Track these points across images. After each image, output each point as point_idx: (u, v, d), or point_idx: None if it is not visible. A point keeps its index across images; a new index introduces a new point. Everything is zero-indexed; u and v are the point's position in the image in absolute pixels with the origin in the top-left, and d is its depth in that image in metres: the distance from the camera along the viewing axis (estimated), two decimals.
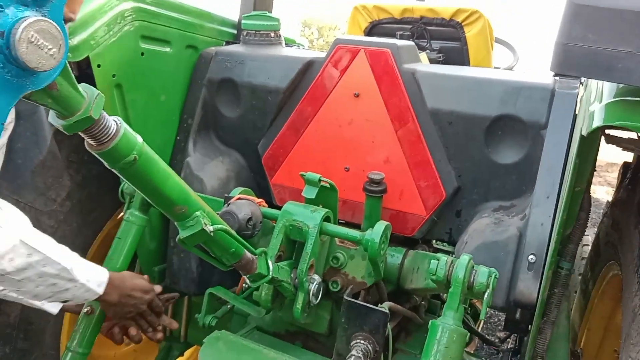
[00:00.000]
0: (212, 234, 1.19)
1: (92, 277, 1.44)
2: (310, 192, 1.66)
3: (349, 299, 1.49)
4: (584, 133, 1.07)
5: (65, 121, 0.88)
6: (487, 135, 1.73)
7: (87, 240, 2.03)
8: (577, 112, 1.61)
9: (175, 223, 1.19)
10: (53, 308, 1.66)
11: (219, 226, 1.22)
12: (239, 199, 1.68)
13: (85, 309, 1.72)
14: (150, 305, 1.73)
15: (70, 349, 1.69)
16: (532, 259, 1.51)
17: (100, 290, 1.48)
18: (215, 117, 2.24)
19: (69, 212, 1.92)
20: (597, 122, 1.02)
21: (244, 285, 1.79)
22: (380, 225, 1.55)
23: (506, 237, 1.58)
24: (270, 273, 1.48)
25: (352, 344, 1.44)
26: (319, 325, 1.75)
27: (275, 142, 2.06)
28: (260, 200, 1.74)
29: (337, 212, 1.74)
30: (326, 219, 1.65)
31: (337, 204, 1.72)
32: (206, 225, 1.17)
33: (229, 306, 1.92)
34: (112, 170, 1.03)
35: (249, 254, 1.40)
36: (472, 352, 2.21)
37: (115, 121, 0.97)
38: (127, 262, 1.77)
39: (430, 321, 1.37)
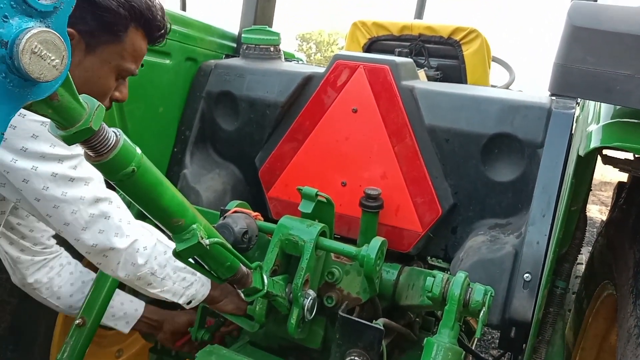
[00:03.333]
0: (208, 247, 1.18)
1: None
2: (306, 207, 1.66)
3: (344, 315, 1.49)
4: (581, 153, 1.08)
5: (64, 132, 0.87)
6: (484, 153, 1.74)
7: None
8: (573, 132, 1.62)
9: (172, 236, 1.18)
10: (124, 328, 1.84)
11: (216, 240, 1.22)
12: (235, 212, 1.68)
13: (77, 321, 1.70)
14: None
15: None
16: (527, 277, 1.51)
17: (209, 284, 1.61)
18: (213, 130, 2.24)
19: None
20: (594, 143, 1.03)
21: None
22: (377, 241, 1.55)
23: (502, 255, 1.59)
24: (265, 287, 1.47)
25: None
26: (312, 340, 1.74)
27: (272, 155, 2.06)
28: (256, 213, 1.73)
29: (334, 226, 1.73)
30: (322, 233, 1.64)
31: (334, 218, 1.72)
32: (202, 238, 1.16)
33: (222, 320, 1.90)
34: (110, 182, 1.02)
35: (244, 268, 1.39)
36: None
37: (115, 133, 0.96)
38: (113, 290, 1.76)
39: (425, 339, 1.36)
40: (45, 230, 1.64)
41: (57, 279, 1.68)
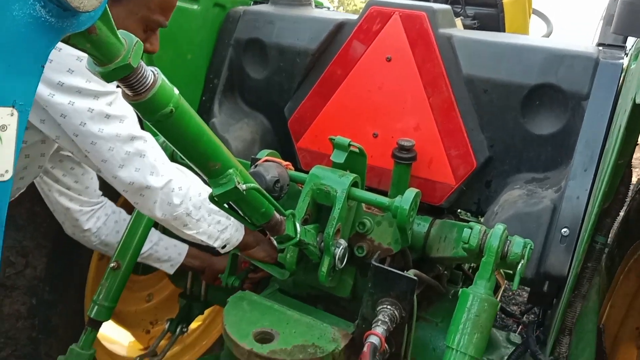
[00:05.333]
0: (244, 192, 1.17)
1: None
2: (339, 157, 1.63)
3: (377, 264, 1.48)
4: (638, 101, 1.02)
5: (102, 68, 0.85)
6: (524, 105, 1.68)
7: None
8: (621, 83, 1.54)
9: (208, 180, 1.17)
10: (169, 270, 1.91)
11: (252, 185, 1.21)
12: (266, 160, 1.66)
13: (112, 264, 1.74)
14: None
15: (97, 302, 1.72)
16: (565, 232, 1.47)
17: (243, 230, 1.62)
18: (241, 78, 2.20)
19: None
20: None
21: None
22: (411, 193, 1.52)
23: (539, 209, 1.55)
24: (298, 235, 1.46)
25: (378, 309, 1.43)
26: (342, 289, 1.75)
27: (302, 105, 2.02)
28: (287, 163, 1.72)
29: (365, 177, 1.71)
30: (354, 184, 1.62)
31: (366, 169, 1.69)
32: (239, 183, 1.15)
33: (251, 267, 1.92)
34: (148, 122, 1.01)
35: (278, 215, 1.39)
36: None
37: (153, 71, 0.94)
38: (146, 236, 1.79)
39: (460, 289, 1.35)
40: (89, 180, 1.68)
41: (103, 228, 1.74)
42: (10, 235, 1.91)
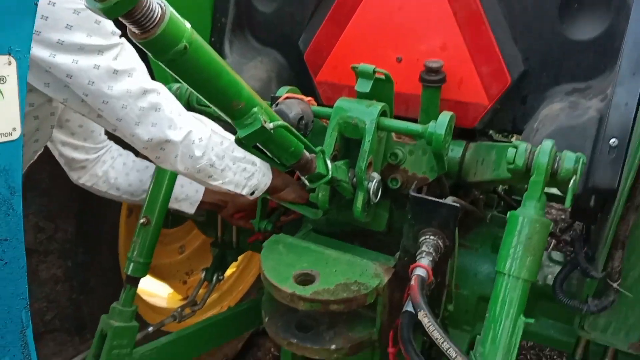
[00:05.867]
0: (272, 131, 1.09)
1: (262, 161, 1.46)
2: (363, 86, 1.53)
3: (415, 194, 1.41)
4: None
5: (103, 4, 0.76)
6: (562, 8, 1.53)
7: None
8: None
9: (232, 122, 1.09)
10: (189, 209, 1.83)
11: (279, 123, 1.13)
12: (287, 97, 1.57)
13: (142, 220, 1.70)
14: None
15: (132, 260, 1.70)
16: (614, 142, 1.37)
17: (270, 174, 1.57)
18: (249, 14, 2.07)
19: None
20: None
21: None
22: (445, 116, 1.43)
23: (584, 121, 1.44)
24: (329, 173, 1.40)
25: (421, 240, 1.38)
26: (378, 223, 1.70)
27: (317, 35, 1.89)
28: (309, 98, 1.62)
29: (393, 105, 1.61)
30: (383, 113, 1.53)
31: (393, 97, 1.59)
32: (266, 122, 1.07)
33: (282, 209, 1.87)
34: (160, 63, 0.92)
35: (307, 154, 1.32)
36: None
37: (160, 4, 0.84)
38: (174, 180, 1.73)
39: (509, 212, 1.28)
40: (94, 125, 1.61)
41: (111, 171, 1.67)
42: (36, 201, 1.88)
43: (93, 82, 1.13)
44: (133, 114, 1.21)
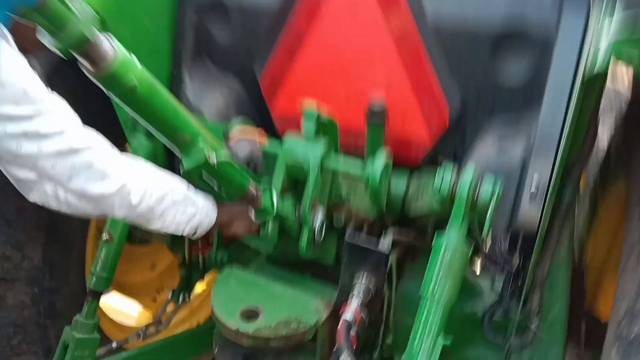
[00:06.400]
0: (215, 166, 1.19)
1: (205, 201, 1.53)
2: (309, 127, 1.61)
3: (349, 241, 1.51)
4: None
5: (59, 42, 0.89)
6: (494, 53, 1.62)
7: None
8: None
9: (179, 154, 1.18)
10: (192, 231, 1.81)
11: (223, 159, 1.22)
12: (238, 139, 1.64)
13: (105, 236, 1.75)
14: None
15: (95, 274, 1.76)
16: (535, 185, 1.47)
17: (214, 212, 1.57)
18: (209, 44, 2.13)
19: None
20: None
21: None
22: (380, 160, 1.52)
23: (510, 163, 1.54)
24: (275, 208, 1.49)
25: (354, 282, 1.47)
26: (326, 256, 1.79)
27: (270, 66, 1.96)
28: (260, 134, 1.70)
29: (339, 143, 1.70)
30: (328, 152, 1.61)
31: (338, 136, 1.68)
32: (209, 157, 1.16)
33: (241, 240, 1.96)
34: (113, 98, 1.02)
35: (253, 189, 1.41)
36: (477, 273, 2.24)
37: (112, 45, 0.96)
38: None
39: (434, 239, 1.38)
40: None
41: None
42: (3, 231, 1.95)
43: (21, 147, 1.18)
44: (64, 172, 1.25)
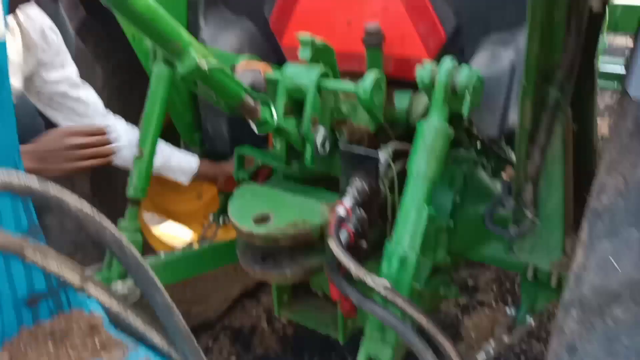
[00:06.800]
0: (208, 72, 1.38)
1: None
2: (305, 53, 1.75)
3: (343, 149, 1.66)
4: None
5: None
6: None
7: (132, 120, 2.30)
8: None
9: (176, 62, 1.38)
10: (184, 180, 2.26)
11: (214, 65, 1.40)
12: (242, 68, 1.82)
13: (137, 154, 1.90)
14: None
15: (132, 185, 1.85)
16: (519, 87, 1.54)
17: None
18: None
19: (109, 97, 2.18)
20: None
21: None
22: (369, 75, 1.64)
23: (499, 71, 1.62)
24: (275, 121, 1.66)
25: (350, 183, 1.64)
26: (335, 169, 1.96)
27: (278, 5, 2.10)
28: (265, 65, 1.87)
29: (337, 67, 1.83)
30: (325, 75, 1.76)
31: (335, 60, 1.81)
32: (201, 62, 1.35)
33: (259, 161, 2.17)
34: (107, 6, 1.22)
35: (250, 100, 1.59)
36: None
37: None
38: (162, 118, 1.89)
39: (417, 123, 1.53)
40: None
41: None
42: None
43: None
44: None
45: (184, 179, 2.20)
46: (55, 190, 0.84)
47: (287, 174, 2.10)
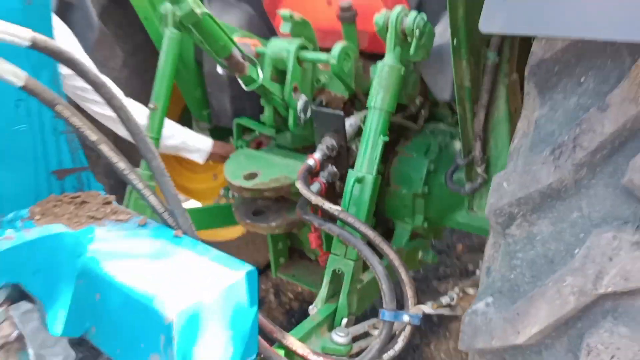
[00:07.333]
0: (201, 16, 1.64)
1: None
2: (285, 28, 1.99)
3: (315, 108, 1.89)
4: None
5: None
6: None
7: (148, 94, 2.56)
8: None
9: (174, 8, 1.67)
10: (199, 159, 2.49)
11: (206, 11, 1.65)
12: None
13: (150, 106, 2.12)
14: None
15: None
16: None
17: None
18: None
19: (128, 76, 2.46)
20: None
21: None
22: (337, 46, 1.86)
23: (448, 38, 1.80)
24: (260, 79, 1.91)
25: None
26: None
27: None
28: (255, 41, 2.12)
29: (316, 41, 2.06)
30: (303, 47, 1.99)
31: (314, 34, 2.04)
32: (194, 7, 1.61)
33: (256, 132, 2.41)
34: None
35: (239, 55, 1.83)
36: None
37: None
38: (173, 76, 2.11)
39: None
40: None
41: None
42: None
43: None
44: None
45: (199, 159, 2.46)
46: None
47: (279, 144, 2.34)
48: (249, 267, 0.99)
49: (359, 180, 1.69)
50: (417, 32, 1.70)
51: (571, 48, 1.17)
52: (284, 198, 2.07)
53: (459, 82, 1.64)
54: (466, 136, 1.78)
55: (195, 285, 0.92)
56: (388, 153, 2.24)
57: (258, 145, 2.44)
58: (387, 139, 1.73)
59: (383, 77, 1.75)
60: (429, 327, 3.22)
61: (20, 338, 0.88)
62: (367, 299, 1.77)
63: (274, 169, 2.02)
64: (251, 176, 1.99)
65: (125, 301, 0.89)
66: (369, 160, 1.71)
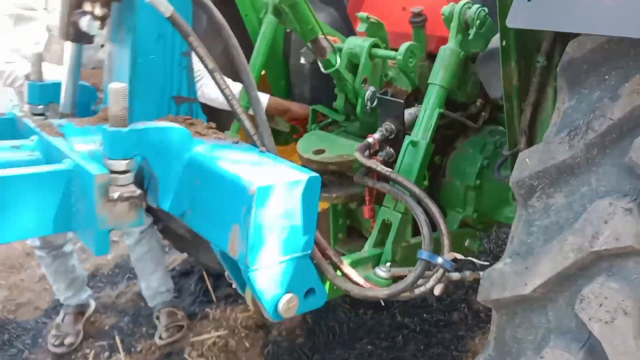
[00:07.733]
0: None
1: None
2: (362, 27, 2.29)
3: (379, 95, 2.17)
4: None
5: None
6: None
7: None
8: None
9: None
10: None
11: None
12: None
13: None
14: None
15: None
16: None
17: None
18: None
19: (225, 65, 2.86)
20: None
21: None
22: (405, 45, 2.14)
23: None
24: (337, 64, 2.24)
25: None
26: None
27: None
28: (336, 39, 2.44)
29: (388, 41, 2.35)
30: (375, 45, 2.28)
31: (386, 34, 2.33)
32: None
33: (328, 118, 2.73)
34: None
35: (325, 41, 2.17)
36: None
37: None
38: (265, 59, 2.48)
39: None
40: None
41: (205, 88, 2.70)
42: None
43: None
44: None
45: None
46: None
47: (347, 130, 2.64)
48: (314, 174, 1.29)
49: (414, 144, 1.94)
50: (477, 22, 1.97)
51: (599, 49, 1.38)
52: (346, 176, 2.35)
53: (507, 81, 1.86)
54: (512, 130, 1.98)
55: (273, 175, 1.25)
56: (447, 148, 2.47)
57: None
58: (442, 110, 2.01)
59: (444, 58, 2.02)
60: (476, 322, 3.37)
61: (141, 196, 1.24)
62: (410, 260, 2.01)
63: (339, 148, 2.32)
64: (319, 151, 2.30)
65: (220, 181, 1.23)
66: (424, 128, 1.98)
